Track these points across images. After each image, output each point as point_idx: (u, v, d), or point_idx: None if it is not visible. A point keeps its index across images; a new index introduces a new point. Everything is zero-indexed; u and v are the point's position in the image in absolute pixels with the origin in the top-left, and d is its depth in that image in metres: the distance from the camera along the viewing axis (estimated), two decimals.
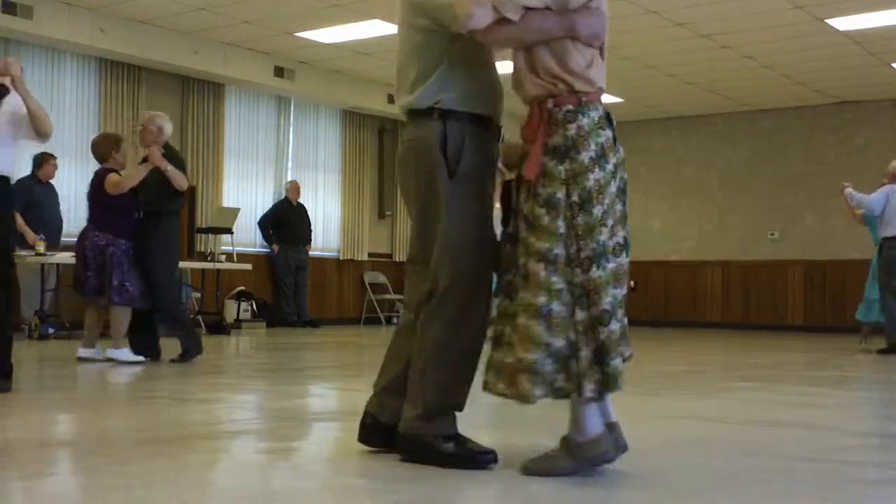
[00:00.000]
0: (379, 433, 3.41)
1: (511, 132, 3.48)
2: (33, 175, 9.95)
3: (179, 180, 7.16)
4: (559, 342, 2.99)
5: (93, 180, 7.28)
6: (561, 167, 3.02)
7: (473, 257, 3.20)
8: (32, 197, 9.79)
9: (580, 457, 3.08)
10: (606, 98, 3.53)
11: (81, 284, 7.13)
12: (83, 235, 7.19)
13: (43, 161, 9.94)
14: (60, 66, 11.10)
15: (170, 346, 7.37)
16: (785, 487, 3.07)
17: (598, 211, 3.00)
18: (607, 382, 2.99)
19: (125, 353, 7.06)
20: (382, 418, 3.40)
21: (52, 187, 10.20)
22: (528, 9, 3.05)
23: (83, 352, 7.16)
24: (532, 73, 3.15)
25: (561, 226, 3.00)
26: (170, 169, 7.08)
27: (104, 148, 7.29)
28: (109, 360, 7.03)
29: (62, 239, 10.15)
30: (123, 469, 3.19)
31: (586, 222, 2.99)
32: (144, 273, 7.09)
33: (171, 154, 7.28)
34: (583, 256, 2.99)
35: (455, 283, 3.18)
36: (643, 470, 3.23)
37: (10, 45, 10.56)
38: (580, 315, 3.01)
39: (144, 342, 7.26)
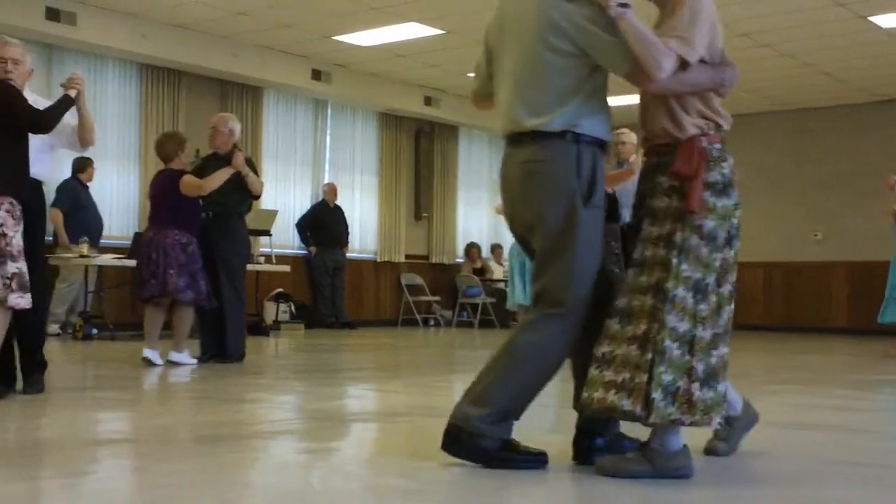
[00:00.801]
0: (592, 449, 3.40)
1: None
2: (75, 178, 10.07)
3: (258, 186, 7.29)
4: (700, 366, 3.09)
5: (163, 180, 7.11)
6: (719, 203, 3.19)
7: (591, 286, 3.25)
8: (78, 199, 9.92)
9: (659, 465, 3.12)
10: None
11: (145, 284, 6.87)
12: (159, 234, 6.89)
13: (85, 164, 10.06)
14: (102, 71, 11.23)
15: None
16: (827, 492, 3.04)
17: (737, 247, 3.22)
18: (714, 407, 3.07)
19: (186, 357, 7.00)
20: (587, 434, 3.41)
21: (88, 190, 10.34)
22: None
23: (149, 353, 6.94)
24: (685, 113, 3.28)
25: (717, 258, 3.16)
26: (250, 175, 7.18)
27: (171, 148, 7.17)
28: (171, 363, 6.94)
29: (100, 241, 10.24)
30: (165, 467, 3.23)
31: (730, 257, 3.20)
32: (211, 273, 7.07)
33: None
34: (723, 290, 3.17)
35: (572, 308, 3.21)
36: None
37: (53, 51, 10.70)
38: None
39: (215, 342, 7.28)
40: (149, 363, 6.87)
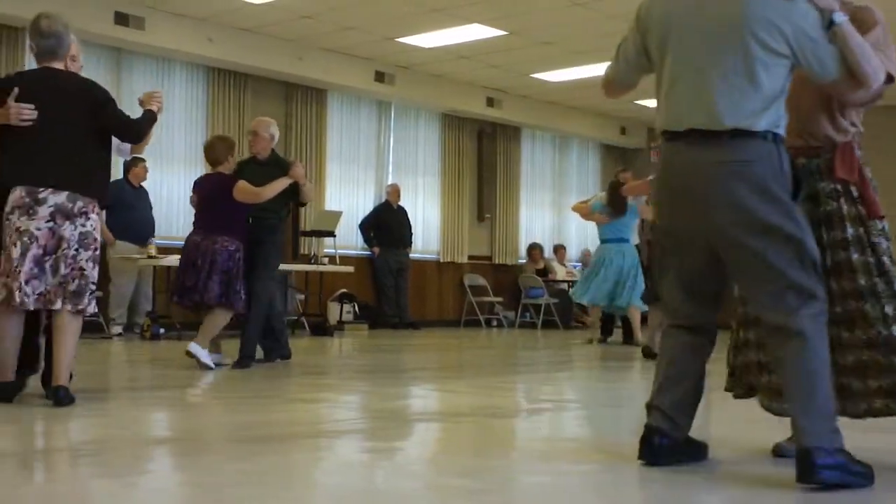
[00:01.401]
0: (669, 451, 3.30)
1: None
2: (125, 178, 10.21)
3: (311, 194, 7.28)
4: None
5: (214, 184, 6.95)
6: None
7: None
8: (123, 199, 10.03)
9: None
10: None
11: (186, 291, 6.74)
12: (208, 240, 6.73)
13: (134, 164, 10.18)
14: (170, 74, 11.42)
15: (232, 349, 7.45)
16: None
17: None
18: None
19: (205, 355, 6.70)
20: (674, 435, 3.31)
21: (143, 190, 10.38)
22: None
23: (213, 357, 6.83)
24: (843, 119, 3.40)
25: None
26: (308, 185, 7.13)
27: (221, 151, 7.00)
28: (188, 353, 6.66)
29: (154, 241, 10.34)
30: (232, 466, 3.27)
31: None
32: (250, 277, 6.91)
33: (280, 162, 7.26)
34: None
35: (822, 295, 3.14)
36: (758, 472, 3.18)
37: (122, 54, 10.91)
38: None
39: (274, 347, 7.30)
40: (201, 366, 6.68)
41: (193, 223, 7.04)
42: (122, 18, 10.38)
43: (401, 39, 11.78)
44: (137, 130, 4.94)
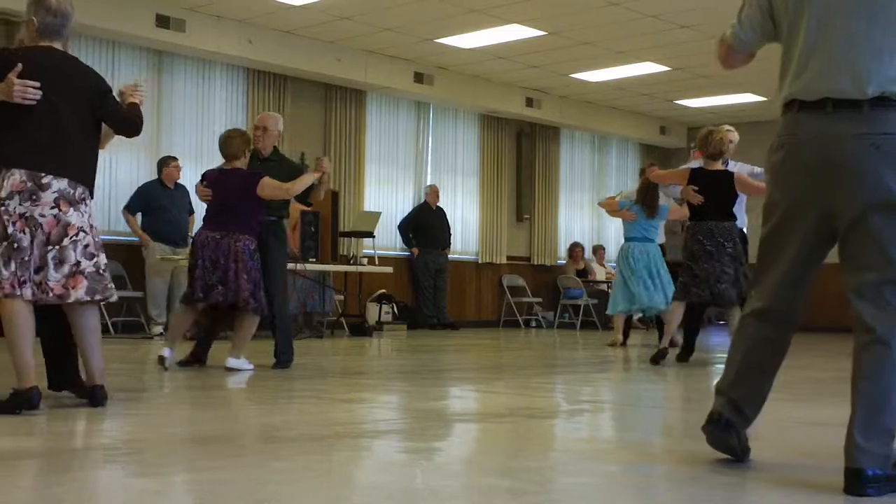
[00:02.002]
0: (737, 436, 3.24)
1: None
2: (158, 178, 10.29)
3: (322, 195, 7.15)
4: None
5: (235, 180, 6.62)
6: None
7: None
8: (156, 200, 10.12)
9: None
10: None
11: (211, 289, 6.46)
12: (230, 238, 6.47)
13: (164, 164, 10.26)
14: (210, 76, 11.52)
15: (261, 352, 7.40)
16: None
17: None
18: None
19: (245, 363, 6.60)
20: (738, 425, 3.24)
21: (179, 189, 10.39)
22: None
23: (168, 353, 6.56)
24: None
25: None
26: (325, 182, 7.00)
27: (239, 146, 6.68)
28: (230, 369, 6.52)
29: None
30: (272, 465, 3.29)
31: None
32: (266, 279, 6.70)
33: (284, 158, 7.17)
34: None
35: None
36: (804, 476, 3.15)
37: (163, 56, 11.02)
38: None
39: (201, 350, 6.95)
40: (162, 361, 6.49)
41: (208, 219, 6.69)
42: (163, 21, 10.49)
43: (439, 40, 11.80)
44: (137, 125, 4.64)
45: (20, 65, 4.21)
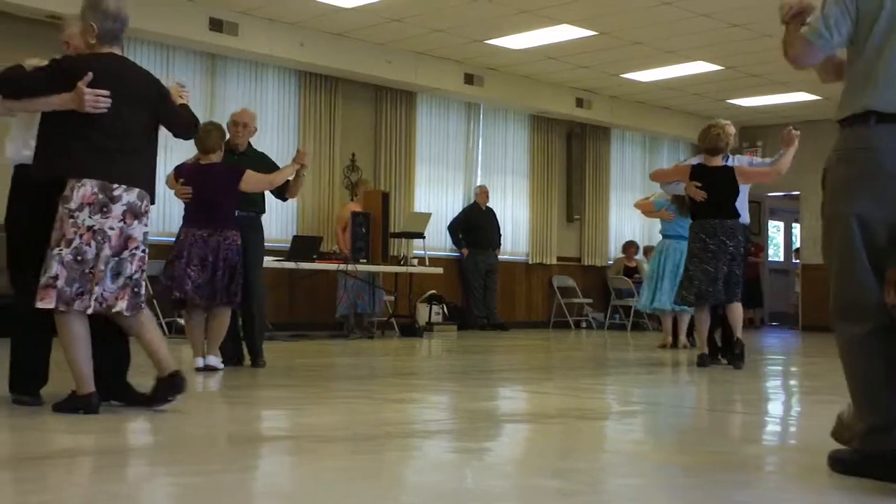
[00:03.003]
0: None
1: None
2: None
3: (298, 190, 7.01)
4: None
5: (218, 175, 6.41)
6: None
7: None
8: None
9: None
10: None
11: (199, 287, 6.22)
12: (219, 236, 6.27)
13: None
14: (263, 79, 11.63)
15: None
16: None
17: None
18: None
19: (219, 362, 6.42)
20: None
21: None
22: None
23: (202, 361, 6.36)
24: None
25: None
26: (304, 175, 6.86)
27: (216, 139, 6.45)
28: (210, 368, 6.33)
29: None
30: (325, 464, 3.33)
31: None
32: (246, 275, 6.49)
33: (258, 153, 7.12)
34: None
35: None
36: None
37: (216, 60, 11.15)
38: None
39: (233, 350, 6.80)
40: (212, 370, 6.33)
41: (190, 217, 6.41)
42: (216, 24, 10.61)
43: (490, 41, 11.81)
44: (195, 125, 4.65)
45: (90, 73, 4.17)
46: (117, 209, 4.21)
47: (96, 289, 4.19)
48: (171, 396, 4.41)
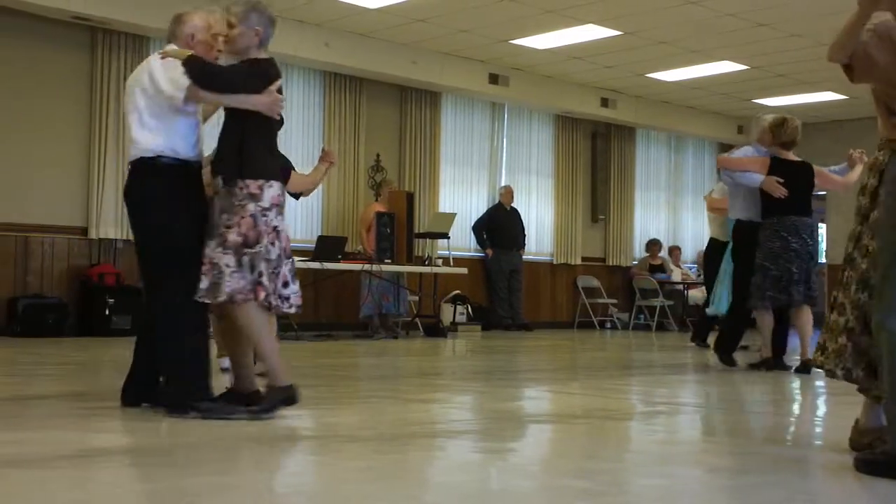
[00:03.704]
0: None
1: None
2: None
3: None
4: None
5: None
6: None
7: None
8: None
9: None
10: None
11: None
12: None
13: None
14: (288, 79, 11.66)
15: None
16: None
17: None
18: None
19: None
20: None
21: None
22: None
23: (227, 362, 6.10)
24: None
25: None
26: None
27: None
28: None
29: None
30: (351, 464, 3.34)
31: None
32: None
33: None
34: None
35: None
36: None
37: None
38: None
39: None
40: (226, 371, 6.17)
41: None
42: None
43: (514, 41, 11.80)
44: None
45: (281, 79, 4.36)
46: (286, 211, 4.43)
47: (283, 291, 4.27)
48: (281, 406, 4.34)
